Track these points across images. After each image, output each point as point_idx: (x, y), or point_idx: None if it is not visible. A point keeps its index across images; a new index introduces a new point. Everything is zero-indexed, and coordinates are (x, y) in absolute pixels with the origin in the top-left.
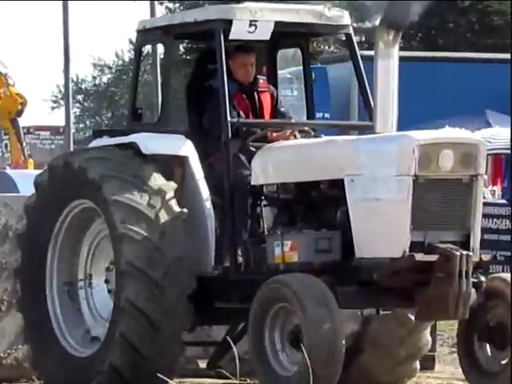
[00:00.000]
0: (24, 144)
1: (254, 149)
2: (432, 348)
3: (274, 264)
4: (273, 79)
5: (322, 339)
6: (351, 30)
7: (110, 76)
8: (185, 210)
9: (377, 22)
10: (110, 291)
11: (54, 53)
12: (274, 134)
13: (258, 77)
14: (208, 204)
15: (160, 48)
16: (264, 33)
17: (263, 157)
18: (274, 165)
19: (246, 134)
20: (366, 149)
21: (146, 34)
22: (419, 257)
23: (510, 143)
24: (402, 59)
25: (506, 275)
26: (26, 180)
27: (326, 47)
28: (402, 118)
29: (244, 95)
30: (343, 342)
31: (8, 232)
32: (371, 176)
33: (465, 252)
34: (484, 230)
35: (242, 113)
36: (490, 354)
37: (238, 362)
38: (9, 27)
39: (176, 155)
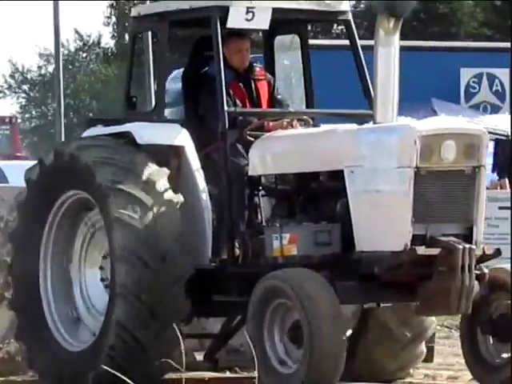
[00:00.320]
0: None
1: (251, 138)
2: (430, 339)
3: (273, 257)
4: (270, 67)
5: (323, 336)
6: (350, 17)
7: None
8: (180, 196)
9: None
10: (102, 279)
11: None
12: (271, 124)
13: (254, 64)
14: (205, 195)
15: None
16: (262, 21)
17: (261, 147)
18: (273, 155)
19: (243, 124)
20: (367, 139)
21: (140, 21)
22: (421, 250)
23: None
24: (347, 49)
25: (507, 266)
26: (15, 170)
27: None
28: (350, 106)
29: (240, 83)
30: (345, 338)
31: None
32: (372, 167)
33: (467, 245)
34: None
35: (238, 101)
36: (493, 346)
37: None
38: None
39: (172, 145)
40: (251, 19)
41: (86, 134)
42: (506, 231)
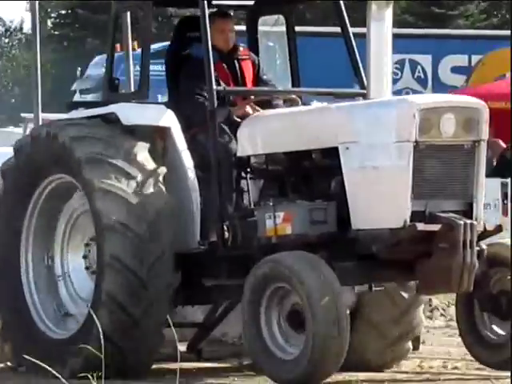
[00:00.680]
0: None
1: (238, 119)
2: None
3: (266, 237)
4: (254, 47)
5: (325, 320)
6: None
7: None
8: (164, 168)
9: None
10: (87, 268)
11: None
12: (238, 112)
13: (238, 44)
14: (192, 176)
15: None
16: None
17: (250, 126)
18: (263, 134)
19: (231, 104)
20: (362, 115)
21: (122, 2)
22: (421, 226)
23: None
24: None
25: (507, 240)
26: None
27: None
28: None
29: (224, 64)
30: (348, 321)
31: None
32: (368, 143)
33: (469, 221)
34: None
35: (222, 82)
36: (493, 324)
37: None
38: None
39: (158, 126)
40: None
41: (68, 116)
42: None
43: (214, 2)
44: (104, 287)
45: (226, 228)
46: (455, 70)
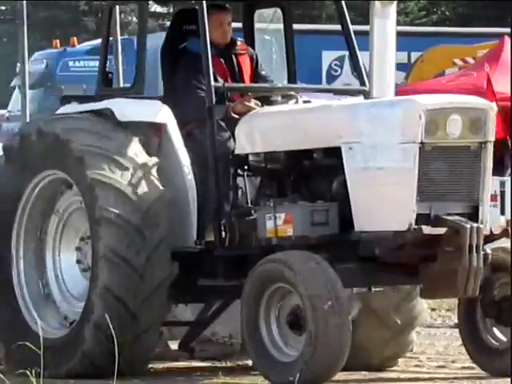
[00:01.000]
0: None
1: (236, 116)
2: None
3: (266, 238)
4: (250, 42)
5: (327, 322)
6: None
7: None
8: (155, 159)
9: None
10: (79, 261)
11: None
12: (238, 107)
13: (235, 39)
14: (189, 174)
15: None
16: None
17: (249, 124)
18: (262, 132)
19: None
20: (366, 114)
21: None
22: (427, 230)
23: None
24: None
25: (507, 245)
26: None
27: (134, 18)
28: None
29: (221, 59)
30: (350, 324)
31: None
32: (372, 143)
33: (475, 224)
34: None
35: (219, 78)
36: (496, 330)
37: None
38: None
39: (154, 122)
40: None
41: (61, 110)
42: None
43: None
44: (100, 280)
45: (223, 227)
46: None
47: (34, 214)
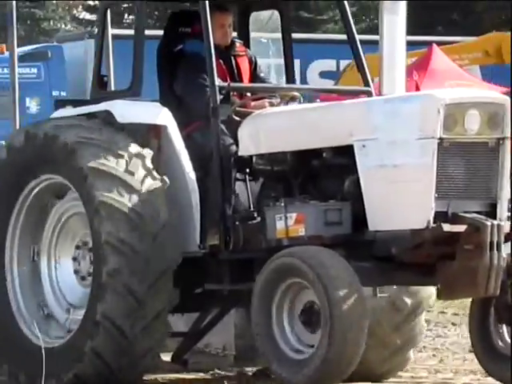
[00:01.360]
0: None
1: (236, 117)
2: None
3: (276, 239)
4: (245, 45)
5: (345, 319)
6: None
7: None
8: (166, 179)
9: None
10: (79, 275)
11: None
12: (252, 104)
13: (235, 40)
14: (192, 177)
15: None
16: None
17: (253, 125)
18: (268, 133)
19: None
20: (381, 110)
21: None
22: (447, 227)
23: None
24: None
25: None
26: None
27: (63, 25)
28: None
29: (220, 60)
30: (367, 321)
31: None
32: (387, 140)
33: (496, 222)
34: None
35: (219, 79)
36: (507, 336)
37: None
38: None
39: (155, 124)
40: None
41: (55, 115)
42: None
43: None
44: (100, 308)
45: (228, 230)
46: (324, 74)
47: (30, 216)
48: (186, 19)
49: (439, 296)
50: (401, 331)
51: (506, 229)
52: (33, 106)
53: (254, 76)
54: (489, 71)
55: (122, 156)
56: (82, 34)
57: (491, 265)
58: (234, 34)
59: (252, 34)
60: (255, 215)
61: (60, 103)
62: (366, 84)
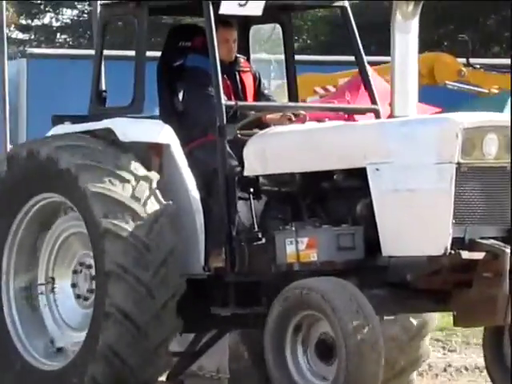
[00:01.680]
0: None
1: (241, 136)
2: None
3: (287, 263)
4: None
5: (360, 350)
6: (347, 4)
7: None
8: (173, 205)
9: None
10: (78, 296)
11: None
12: (268, 117)
13: (238, 56)
14: (196, 197)
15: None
16: (255, 7)
17: (259, 144)
18: (274, 153)
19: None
20: (396, 133)
21: (113, 7)
22: (466, 255)
23: None
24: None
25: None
26: None
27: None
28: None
29: (224, 75)
30: (383, 352)
31: None
32: (402, 164)
33: None
34: None
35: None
36: None
37: None
38: None
39: (157, 143)
40: (244, 5)
41: (53, 131)
42: None
43: (220, 12)
44: (102, 338)
45: (234, 251)
46: None
47: (27, 235)
48: (185, 33)
49: (456, 323)
50: (405, 352)
51: None
52: None
53: (259, 93)
54: (420, 92)
55: (128, 181)
56: (15, 53)
57: (511, 293)
58: None
59: (252, 56)
60: (260, 236)
61: (57, 118)
62: (374, 102)
